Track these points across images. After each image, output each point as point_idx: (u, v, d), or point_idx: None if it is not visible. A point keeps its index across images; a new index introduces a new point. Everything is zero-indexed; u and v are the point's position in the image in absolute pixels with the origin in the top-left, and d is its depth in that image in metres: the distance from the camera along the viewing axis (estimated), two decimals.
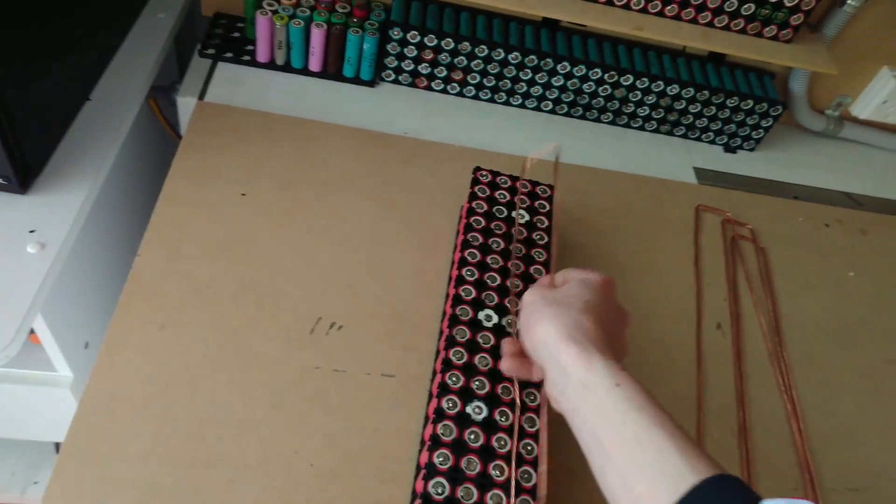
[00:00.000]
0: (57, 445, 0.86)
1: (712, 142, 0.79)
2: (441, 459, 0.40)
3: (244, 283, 0.51)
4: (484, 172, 0.57)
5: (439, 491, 0.39)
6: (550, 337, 0.37)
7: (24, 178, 0.53)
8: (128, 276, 0.49)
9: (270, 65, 0.69)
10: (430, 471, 0.40)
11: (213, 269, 0.51)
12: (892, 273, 0.70)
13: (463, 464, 0.40)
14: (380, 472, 0.44)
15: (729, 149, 0.80)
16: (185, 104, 0.65)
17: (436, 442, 0.41)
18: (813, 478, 0.51)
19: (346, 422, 0.46)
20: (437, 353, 0.50)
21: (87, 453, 0.41)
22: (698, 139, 0.79)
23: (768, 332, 0.60)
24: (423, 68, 0.71)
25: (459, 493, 0.39)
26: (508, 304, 0.49)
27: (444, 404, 0.42)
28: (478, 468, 0.40)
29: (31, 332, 0.55)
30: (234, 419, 0.44)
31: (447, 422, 0.42)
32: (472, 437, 0.41)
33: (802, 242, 0.70)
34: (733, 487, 0.29)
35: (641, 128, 0.77)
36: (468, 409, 0.42)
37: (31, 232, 0.51)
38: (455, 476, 0.39)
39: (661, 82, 0.72)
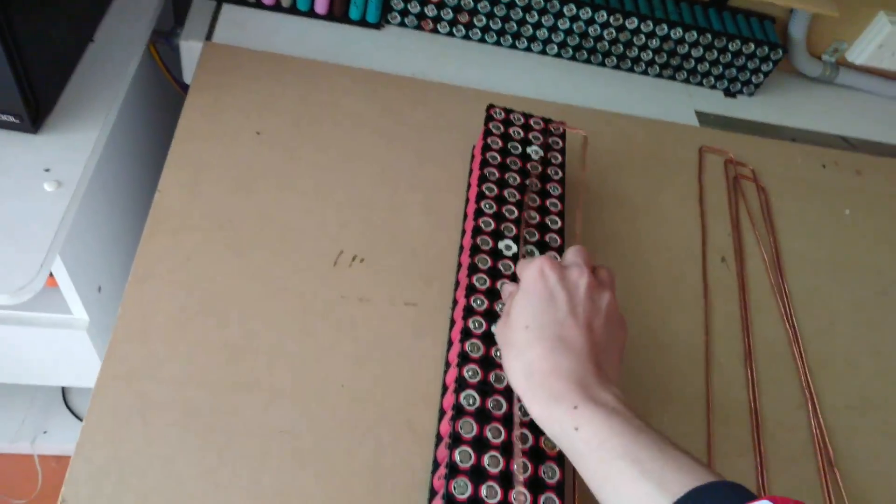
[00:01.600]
0: (64, 393, 0.87)
1: (713, 86, 0.80)
2: (470, 374, 0.42)
3: (264, 219, 0.51)
4: (497, 110, 0.57)
5: (470, 402, 0.41)
6: (515, 385, 0.37)
7: (35, 117, 0.52)
8: (150, 210, 0.49)
9: (276, 7, 0.68)
10: (461, 384, 0.41)
11: (233, 204, 0.51)
12: (885, 211, 0.72)
13: (492, 378, 0.42)
14: (408, 393, 0.46)
15: (729, 93, 0.81)
16: (189, 49, 0.64)
17: (464, 358, 0.42)
18: (813, 397, 0.54)
19: (374, 348, 0.47)
20: (457, 283, 0.51)
21: (124, 376, 0.42)
22: (699, 84, 0.80)
23: (770, 265, 0.62)
24: (430, 10, 0.71)
25: (489, 404, 0.41)
26: (527, 236, 0.50)
27: (471, 324, 0.44)
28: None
29: (49, 275, 0.55)
30: (264, 346, 0.45)
31: (475, 340, 0.43)
32: (498, 354, 0.43)
33: (800, 182, 0.72)
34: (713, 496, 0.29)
35: (644, 72, 0.78)
36: (493, 329, 0.44)
37: (47, 171, 0.51)
38: (484, 389, 0.41)
39: (664, 25, 0.72)
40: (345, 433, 0.43)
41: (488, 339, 0.44)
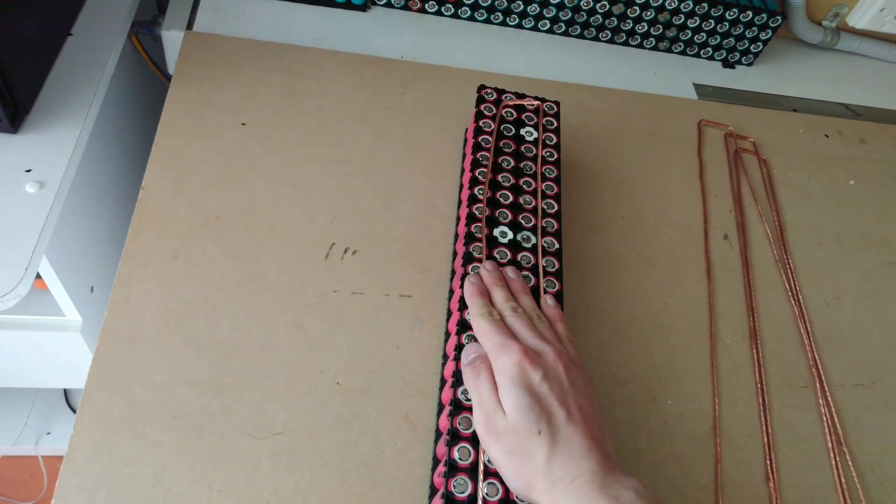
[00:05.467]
0: (66, 394, 0.86)
1: (711, 57, 0.78)
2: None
3: (253, 212, 0.50)
4: (489, 90, 0.56)
5: (468, 397, 0.40)
6: (537, 496, 0.35)
7: (14, 116, 0.51)
8: (135, 209, 0.48)
9: None
10: (458, 378, 0.40)
11: (220, 199, 0.50)
12: (891, 180, 0.71)
13: None
14: (405, 386, 0.45)
15: (728, 64, 0.79)
16: (171, 38, 0.62)
17: (461, 350, 0.41)
18: (821, 375, 0.52)
19: (369, 341, 0.46)
20: (453, 272, 0.50)
21: (114, 381, 0.41)
22: (697, 55, 0.78)
23: (774, 240, 0.61)
24: None
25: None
26: (523, 222, 0.49)
27: (467, 316, 0.43)
28: None
29: (38, 277, 0.54)
30: (256, 343, 0.44)
31: (472, 332, 0.42)
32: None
33: (803, 153, 0.70)
34: None
35: (640, 45, 0.76)
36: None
37: (28, 171, 0.50)
38: None
39: None
40: (340, 430, 0.42)
41: None
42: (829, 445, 0.49)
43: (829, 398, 0.51)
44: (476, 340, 0.41)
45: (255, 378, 0.43)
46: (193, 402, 0.41)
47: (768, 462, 0.47)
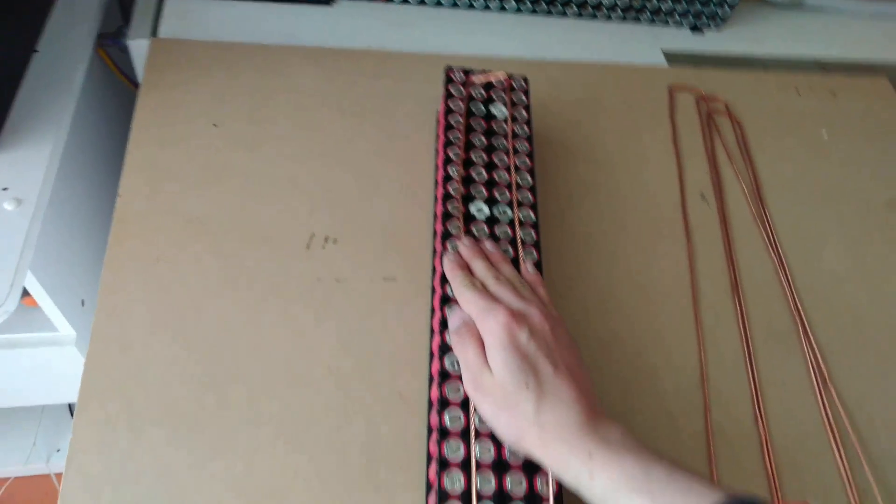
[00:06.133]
0: (71, 408, 0.87)
1: (679, 24, 0.79)
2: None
3: (231, 211, 0.51)
4: (457, 72, 0.56)
5: (455, 366, 0.40)
6: (530, 445, 0.37)
7: None
8: (113, 217, 0.49)
9: None
10: (444, 349, 0.41)
11: (198, 201, 0.51)
12: (863, 130, 0.71)
13: None
14: (396, 365, 0.45)
15: (696, 29, 0.79)
16: (138, 47, 0.63)
17: (446, 325, 0.42)
18: (804, 322, 0.53)
19: (356, 326, 0.47)
20: (434, 251, 0.51)
21: (107, 384, 0.42)
22: (665, 23, 0.78)
23: (750, 197, 0.62)
24: None
25: None
26: (498, 197, 0.49)
27: (449, 292, 0.44)
28: None
29: (27, 294, 0.55)
30: (246, 337, 0.45)
31: (455, 304, 0.43)
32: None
33: (776, 111, 0.71)
34: None
35: (608, 17, 0.76)
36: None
37: (5, 189, 0.50)
38: None
39: None
40: (335, 413, 0.43)
41: None
42: (816, 387, 0.50)
43: (813, 343, 0.52)
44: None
45: (247, 370, 0.44)
46: (188, 398, 0.42)
47: (756, 407, 0.48)
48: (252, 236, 0.50)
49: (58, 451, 0.84)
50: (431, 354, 0.46)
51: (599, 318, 0.51)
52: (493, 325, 0.38)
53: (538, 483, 0.37)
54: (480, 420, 0.39)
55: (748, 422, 0.48)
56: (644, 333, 0.51)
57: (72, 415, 0.88)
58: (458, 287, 0.42)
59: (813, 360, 0.52)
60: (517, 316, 0.39)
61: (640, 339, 0.50)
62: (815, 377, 0.51)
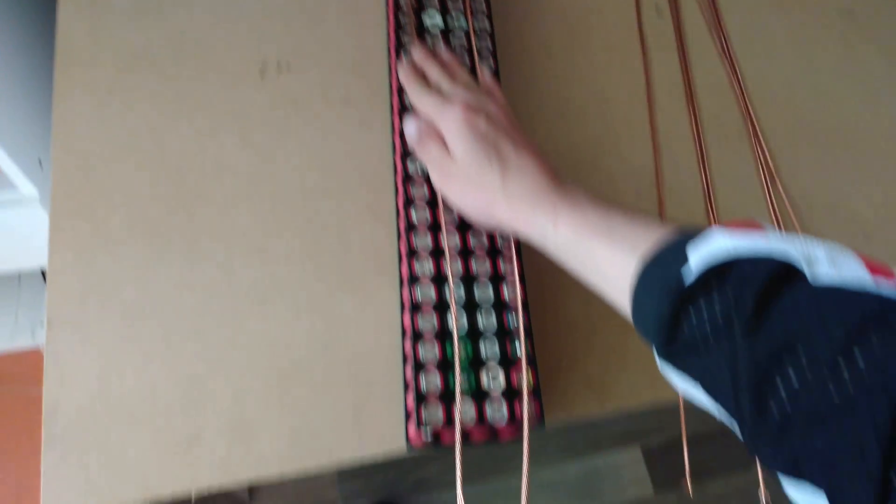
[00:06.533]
0: (44, 275, 0.88)
1: None
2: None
3: (177, 41, 0.49)
4: None
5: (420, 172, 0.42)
6: (499, 215, 0.37)
7: None
8: (55, 48, 0.47)
9: None
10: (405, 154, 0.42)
11: (141, 33, 0.49)
12: None
13: None
14: (362, 181, 0.47)
15: None
16: None
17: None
18: (755, 124, 0.55)
19: (319, 147, 0.47)
20: (389, 68, 0.50)
21: (77, 207, 0.42)
22: None
23: (704, 7, 0.61)
24: None
25: None
26: (451, 6, 0.48)
27: (408, 101, 0.44)
28: None
29: None
30: (209, 160, 0.45)
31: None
32: None
33: None
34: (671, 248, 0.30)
35: None
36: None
37: None
38: None
39: None
40: (306, 224, 0.45)
41: None
42: (763, 182, 0.53)
43: (763, 143, 0.54)
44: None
45: (212, 191, 0.44)
46: (159, 217, 0.43)
47: (708, 204, 0.51)
48: (203, 66, 0.49)
49: (41, 323, 0.86)
50: (395, 167, 0.47)
51: (557, 126, 0.52)
52: (450, 119, 0.39)
53: (497, 239, 0.41)
54: (447, 209, 0.41)
55: (700, 216, 0.51)
56: (600, 140, 0.52)
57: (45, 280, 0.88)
58: (414, 93, 0.43)
59: (762, 158, 0.54)
60: (473, 107, 0.40)
61: (596, 147, 0.52)
62: (764, 174, 0.53)
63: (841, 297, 0.25)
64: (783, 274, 0.26)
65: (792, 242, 0.28)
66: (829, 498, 0.23)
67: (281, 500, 1.07)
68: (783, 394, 0.24)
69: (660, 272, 0.30)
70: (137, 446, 0.39)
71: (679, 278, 0.28)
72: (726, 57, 0.59)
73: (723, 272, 0.27)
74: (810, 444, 0.23)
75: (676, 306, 0.28)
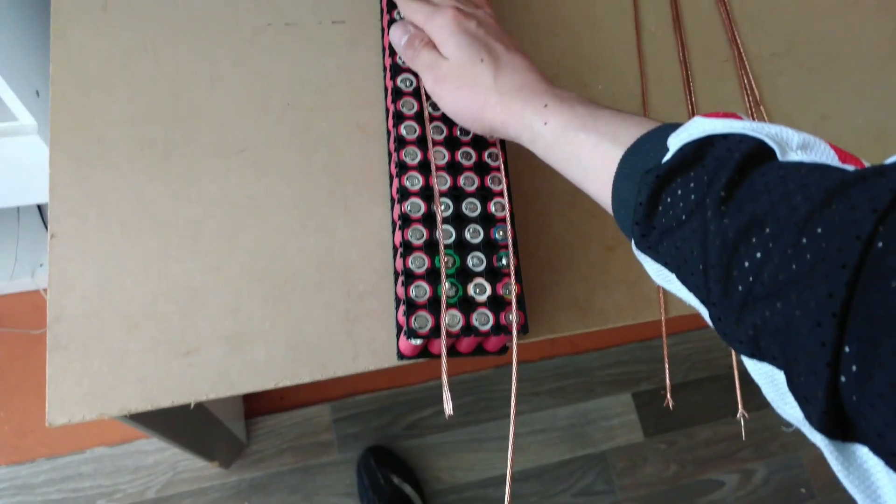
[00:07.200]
0: (42, 215, 0.89)
1: None
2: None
3: None
4: None
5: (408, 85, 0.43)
6: (489, 113, 0.38)
7: None
8: None
9: None
10: (397, 94, 0.43)
11: None
12: None
13: None
14: (352, 99, 0.48)
15: None
16: None
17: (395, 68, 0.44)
18: (740, 49, 0.56)
19: (310, 65, 0.48)
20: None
21: (75, 122, 0.43)
22: None
23: None
24: None
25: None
26: None
27: (396, 16, 0.45)
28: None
29: None
30: (202, 76, 0.46)
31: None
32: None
33: None
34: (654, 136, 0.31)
35: None
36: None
37: None
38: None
39: None
40: (299, 141, 0.46)
41: None
42: (748, 106, 0.54)
43: (748, 67, 0.55)
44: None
45: (207, 106, 0.45)
46: (156, 133, 0.44)
47: None
48: None
49: (41, 265, 0.87)
50: (386, 90, 0.48)
51: (547, 49, 0.53)
52: (440, 21, 0.40)
53: (485, 154, 0.42)
54: (434, 107, 0.41)
55: None
56: (589, 63, 0.53)
57: (45, 225, 0.90)
58: (404, 3, 0.43)
59: (747, 83, 0.55)
60: (463, 10, 0.40)
61: (585, 68, 0.53)
62: (748, 98, 0.54)
63: (807, 173, 0.25)
64: (756, 154, 0.27)
65: (768, 127, 0.28)
66: (786, 371, 0.24)
67: (278, 444, 1.10)
68: (747, 267, 0.25)
69: (639, 161, 0.31)
70: (138, 355, 0.41)
71: (658, 165, 0.29)
72: None
73: (699, 153, 0.28)
74: (769, 316, 0.24)
75: (653, 190, 0.29)
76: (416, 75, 0.43)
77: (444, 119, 0.42)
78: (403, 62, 0.44)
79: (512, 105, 0.37)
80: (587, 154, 0.34)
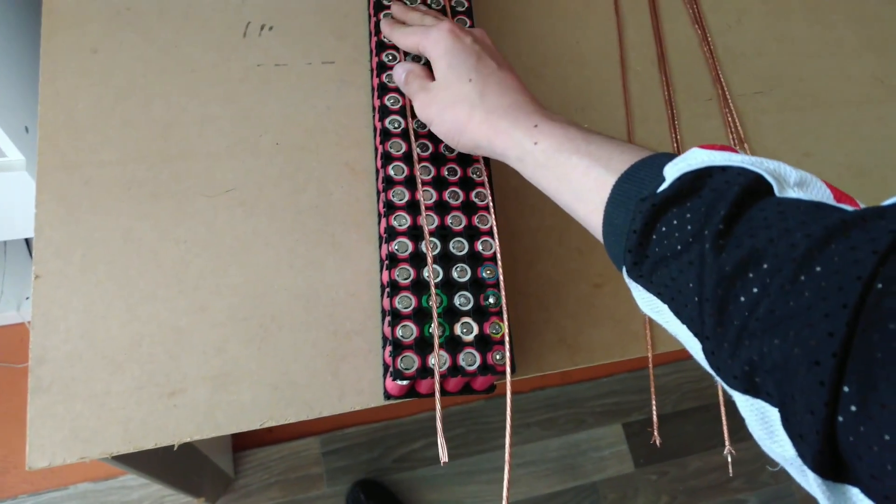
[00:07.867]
0: (29, 247, 0.88)
1: None
2: (392, 102, 0.44)
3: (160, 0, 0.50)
4: None
5: (396, 126, 0.43)
6: (476, 132, 0.38)
7: None
8: (42, 10, 0.48)
9: None
10: (384, 112, 0.43)
11: None
12: None
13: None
14: (341, 139, 0.48)
15: None
16: None
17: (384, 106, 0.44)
18: (724, 88, 0.57)
19: (299, 105, 0.48)
20: (370, 34, 0.51)
21: (64, 164, 0.43)
22: None
23: None
24: None
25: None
26: None
27: (385, 58, 0.45)
28: None
29: None
30: (192, 117, 0.46)
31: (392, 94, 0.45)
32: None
33: None
34: (648, 164, 0.31)
35: None
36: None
37: None
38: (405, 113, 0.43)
39: None
40: (287, 181, 0.46)
41: None
42: (732, 143, 0.55)
43: (732, 106, 0.56)
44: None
45: (197, 147, 0.45)
46: (145, 174, 0.44)
47: None
48: (187, 25, 0.49)
49: (27, 298, 0.86)
50: (375, 129, 0.48)
51: (534, 89, 0.53)
52: (437, 35, 0.40)
53: (469, 170, 0.42)
54: (421, 126, 0.42)
55: None
56: (575, 102, 0.54)
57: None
58: (398, 32, 0.44)
59: (731, 121, 0.56)
60: (460, 27, 0.41)
61: (572, 110, 0.54)
62: (732, 136, 0.55)
63: (806, 211, 0.25)
64: (754, 188, 0.27)
65: (767, 162, 0.28)
66: (780, 408, 0.23)
67: (265, 478, 1.08)
68: (743, 302, 0.24)
69: (634, 188, 0.30)
70: (121, 396, 0.40)
71: (654, 193, 0.29)
72: (697, 22, 0.60)
73: (696, 184, 0.28)
74: (766, 353, 0.23)
75: (648, 218, 0.28)
76: (404, 117, 0.44)
77: (431, 136, 0.43)
78: (392, 103, 0.44)
79: (499, 123, 0.37)
80: (579, 177, 0.33)
